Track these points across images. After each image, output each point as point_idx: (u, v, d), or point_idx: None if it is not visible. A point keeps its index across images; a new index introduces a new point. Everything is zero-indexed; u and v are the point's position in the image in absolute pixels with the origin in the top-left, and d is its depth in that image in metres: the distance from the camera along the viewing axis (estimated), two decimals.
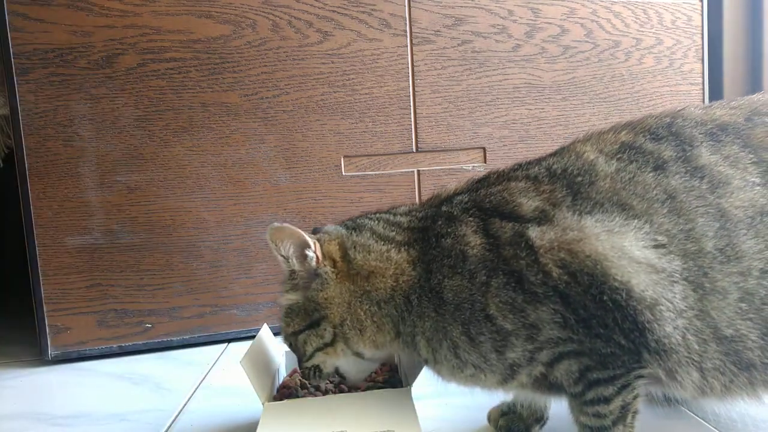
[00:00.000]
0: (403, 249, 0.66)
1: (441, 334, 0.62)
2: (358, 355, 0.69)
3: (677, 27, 1.40)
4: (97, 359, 1.13)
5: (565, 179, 0.63)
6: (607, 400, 0.59)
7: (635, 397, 0.60)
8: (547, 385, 0.61)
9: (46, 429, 0.85)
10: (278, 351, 0.88)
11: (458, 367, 0.63)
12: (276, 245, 0.68)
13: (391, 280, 0.65)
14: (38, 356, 1.13)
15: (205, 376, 1.02)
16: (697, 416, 0.77)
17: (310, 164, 1.21)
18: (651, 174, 0.61)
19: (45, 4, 1.07)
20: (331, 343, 0.68)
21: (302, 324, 0.69)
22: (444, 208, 0.67)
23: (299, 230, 0.67)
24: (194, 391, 0.95)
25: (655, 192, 0.60)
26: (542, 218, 0.61)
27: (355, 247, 0.68)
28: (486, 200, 0.65)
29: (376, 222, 0.70)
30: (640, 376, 0.59)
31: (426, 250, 0.64)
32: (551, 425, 0.74)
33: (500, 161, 1.32)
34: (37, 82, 1.08)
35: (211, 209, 1.17)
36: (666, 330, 0.56)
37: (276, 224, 0.67)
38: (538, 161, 0.68)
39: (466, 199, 0.66)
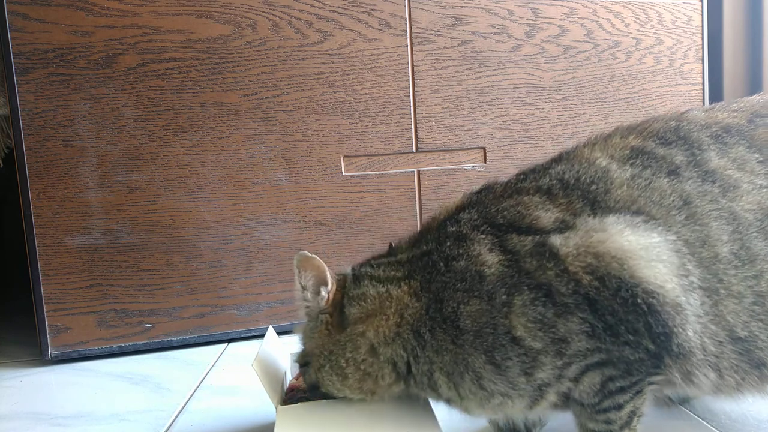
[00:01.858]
0: (402, 283, 0.62)
1: (462, 366, 0.58)
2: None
3: (677, 27, 1.40)
4: (97, 359, 1.13)
5: (580, 189, 0.61)
6: (620, 407, 0.58)
7: (643, 402, 0.60)
8: (566, 401, 0.60)
9: (46, 429, 0.85)
10: (284, 353, 0.87)
11: (485, 398, 0.59)
12: (299, 272, 0.66)
13: (394, 317, 0.61)
14: (38, 356, 1.13)
15: (205, 376, 1.02)
16: (697, 416, 0.77)
17: (310, 164, 1.21)
18: (666, 180, 0.60)
19: (45, 4, 1.07)
20: (318, 386, 0.67)
21: (302, 360, 0.69)
22: (450, 228, 0.63)
23: (325, 266, 0.65)
24: (194, 391, 0.95)
25: (671, 198, 0.59)
26: (563, 228, 0.59)
27: (350, 301, 0.64)
28: (498, 215, 0.61)
29: (376, 268, 0.66)
30: (652, 383, 0.59)
31: (431, 278, 0.60)
32: (551, 425, 0.74)
33: (500, 161, 1.32)
34: (37, 82, 1.08)
35: (211, 209, 1.17)
36: (688, 333, 0.55)
37: (307, 253, 0.65)
38: (545, 170, 0.65)
39: (475, 216, 0.62)
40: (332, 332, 0.64)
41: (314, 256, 0.64)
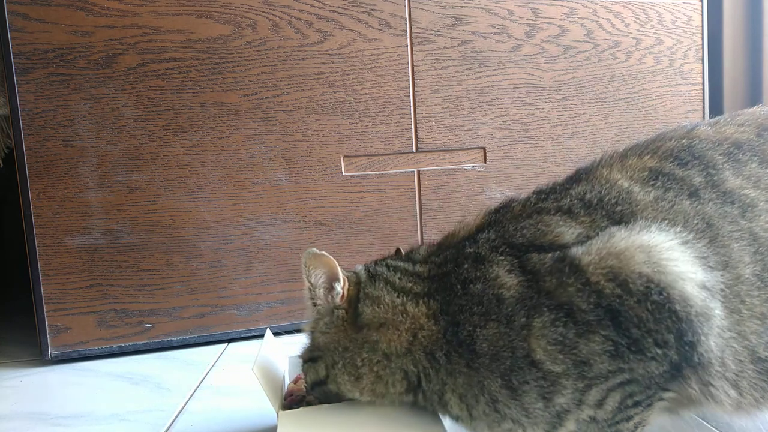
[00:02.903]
0: (421, 302, 0.61)
1: (477, 389, 0.57)
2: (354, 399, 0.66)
3: (677, 27, 1.40)
4: (97, 359, 1.13)
5: (604, 209, 0.60)
6: (629, 419, 0.58)
7: (650, 414, 0.59)
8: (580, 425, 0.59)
9: (46, 429, 0.85)
10: (282, 356, 0.87)
11: (496, 421, 0.58)
12: (308, 270, 0.64)
13: (407, 334, 0.60)
14: (38, 356, 1.13)
15: (205, 376, 1.02)
16: (698, 417, 0.77)
17: (310, 164, 1.21)
18: (687, 202, 0.60)
19: (45, 4, 1.07)
20: (325, 382, 0.65)
21: (307, 355, 0.68)
22: (468, 249, 0.62)
23: (335, 262, 0.64)
24: (194, 391, 0.95)
25: (695, 221, 0.58)
26: (586, 241, 0.57)
27: (365, 300, 0.63)
28: (518, 235, 0.60)
29: (393, 272, 0.65)
30: (662, 399, 0.58)
31: (450, 300, 0.59)
32: None
33: (500, 161, 1.32)
34: (37, 82, 1.08)
35: (211, 209, 1.17)
36: (711, 344, 0.54)
37: (315, 250, 0.63)
38: (565, 190, 0.64)
39: (493, 236, 0.61)
40: (347, 329, 0.63)
41: (323, 252, 0.64)
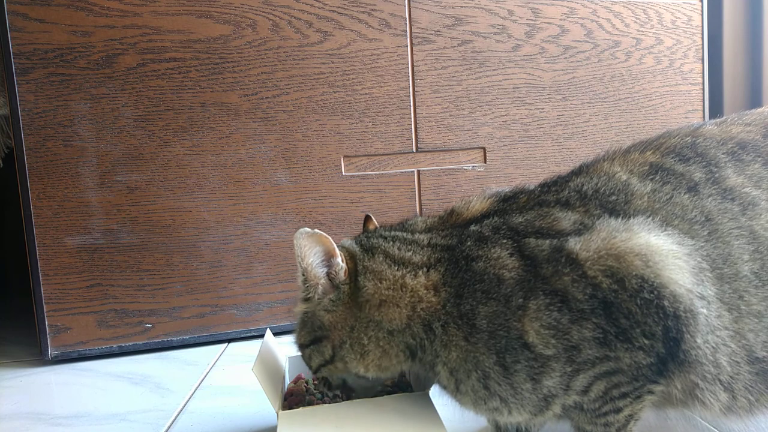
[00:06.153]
0: (420, 272, 0.61)
1: (471, 364, 0.58)
2: (359, 376, 0.66)
3: (677, 27, 1.40)
4: (97, 359, 1.13)
5: (598, 199, 0.61)
6: (619, 411, 0.58)
7: (641, 408, 0.59)
8: (566, 409, 0.60)
9: (46, 429, 0.85)
10: (282, 356, 0.87)
11: (484, 398, 0.59)
12: (304, 251, 0.63)
13: (406, 309, 0.61)
14: (38, 356, 1.13)
15: (205, 376, 1.02)
16: (697, 416, 0.77)
17: (310, 164, 1.21)
18: (686, 196, 0.60)
19: (45, 4, 1.07)
20: (331, 361, 0.65)
21: (308, 338, 0.67)
22: (473, 228, 0.63)
23: (330, 239, 0.64)
24: (194, 391, 0.95)
25: (693, 213, 0.59)
26: (582, 229, 0.58)
27: (365, 273, 0.63)
28: (519, 218, 0.62)
29: (391, 243, 0.65)
30: (652, 392, 0.58)
31: (454, 273, 0.60)
32: (551, 425, 0.74)
33: (500, 161, 1.32)
34: (37, 82, 1.08)
35: (211, 209, 1.17)
36: (697, 341, 0.55)
37: (308, 229, 0.62)
38: (565, 182, 0.65)
39: (497, 219, 0.63)
40: (351, 305, 0.63)
41: (316, 230, 0.63)
